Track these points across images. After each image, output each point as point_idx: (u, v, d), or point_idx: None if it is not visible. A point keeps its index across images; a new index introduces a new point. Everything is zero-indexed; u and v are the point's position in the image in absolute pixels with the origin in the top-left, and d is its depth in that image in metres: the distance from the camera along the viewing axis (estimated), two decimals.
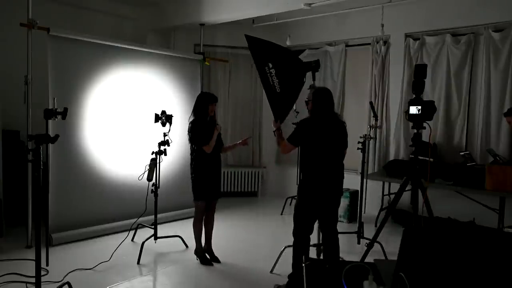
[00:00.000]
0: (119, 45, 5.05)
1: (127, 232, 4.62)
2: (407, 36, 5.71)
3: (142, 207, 4.37)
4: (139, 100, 5.23)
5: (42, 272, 3.27)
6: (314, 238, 3.51)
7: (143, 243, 4.17)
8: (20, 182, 4.46)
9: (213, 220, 4.15)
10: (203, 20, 5.88)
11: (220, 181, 4.13)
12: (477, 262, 1.53)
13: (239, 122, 7.19)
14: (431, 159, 3.81)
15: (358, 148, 4.49)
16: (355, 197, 5.64)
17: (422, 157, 3.68)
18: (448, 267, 1.54)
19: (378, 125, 5.33)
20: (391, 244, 4.43)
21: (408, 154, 5.46)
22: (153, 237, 4.30)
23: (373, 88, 5.99)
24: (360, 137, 4.50)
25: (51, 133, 2.88)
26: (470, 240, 1.58)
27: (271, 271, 3.83)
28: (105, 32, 5.87)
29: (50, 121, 3.13)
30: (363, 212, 4.85)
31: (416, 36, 5.64)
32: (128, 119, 5.10)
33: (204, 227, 4.10)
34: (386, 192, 5.64)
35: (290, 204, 6.10)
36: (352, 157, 5.70)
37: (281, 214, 6.05)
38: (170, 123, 4.24)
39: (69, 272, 3.63)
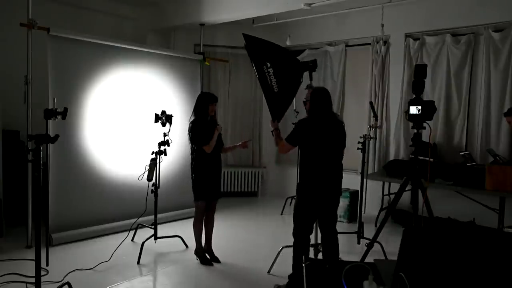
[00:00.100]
0: (119, 45, 5.05)
1: (127, 232, 4.62)
2: (407, 36, 5.71)
3: (142, 207, 4.37)
4: (139, 100, 5.23)
5: (42, 272, 3.27)
6: (312, 238, 3.51)
7: (143, 243, 4.17)
8: (20, 182, 4.46)
9: (213, 220, 4.15)
10: (203, 20, 5.88)
11: (220, 181, 4.13)
12: (477, 262, 1.53)
13: (239, 122, 7.19)
14: (431, 159, 3.81)
15: (358, 148, 4.49)
16: (355, 197, 5.64)
17: (422, 157, 3.68)
18: (448, 267, 1.54)
19: (378, 125, 5.33)
20: (391, 244, 4.43)
21: (408, 154, 5.46)
22: (153, 237, 4.30)
23: (373, 88, 5.99)
24: (360, 137, 4.50)
25: (51, 133, 2.88)
26: (470, 240, 1.58)
27: (269, 272, 3.82)
28: (105, 32, 5.87)
29: (50, 121, 3.13)
30: (363, 212, 4.85)
31: (416, 36, 5.64)
32: (128, 119, 5.10)
33: (204, 227, 4.10)
34: (386, 192, 5.64)
35: (290, 204, 6.10)
36: (352, 157, 5.72)
37: (281, 214, 6.05)
38: (170, 123, 4.24)
39: (69, 272, 3.63)
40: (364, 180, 4.73)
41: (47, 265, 3.66)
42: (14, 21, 4.14)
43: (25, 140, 4.15)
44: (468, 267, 1.53)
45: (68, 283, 3.17)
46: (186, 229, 4.74)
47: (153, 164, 4.16)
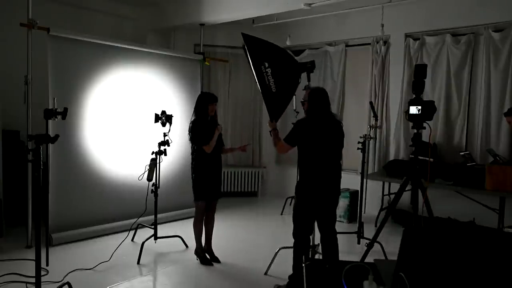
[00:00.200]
0: (119, 45, 5.05)
1: (127, 232, 4.62)
2: (407, 36, 5.71)
3: (142, 207, 4.37)
4: (139, 100, 5.23)
5: (42, 272, 3.27)
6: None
7: (143, 243, 4.17)
8: (20, 182, 4.46)
9: (213, 220, 4.15)
10: (203, 20, 5.88)
11: (220, 181, 4.13)
12: (477, 262, 1.53)
13: (239, 122, 7.19)
14: (431, 159, 3.81)
15: (358, 148, 4.49)
16: (355, 197, 5.63)
17: (422, 157, 3.68)
18: (448, 267, 1.54)
19: (378, 125, 5.34)
20: (391, 244, 4.43)
21: (408, 154, 5.46)
22: (153, 237, 4.30)
23: (373, 88, 5.99)
24: (360, 137, 4.49)
25: (51, 133, 2.89)
26: (470, 240, 1.58)
27: (266, 273, 3.80)
28: (105, 32, 5.87)
29: (50, 121, 3.13)
30: (363, 212, 4.86)
31: (416, 36, 5.64)
32: (128, 119, 5.10)
33: (204, 227, 4.10)
34: (386, 192, 5.64)
35: (290, 204, 6.09)
36: (352, 157, 5.73)
37: (281, 214, 6.05)
38: (170, 123, 4.24)
39: (69, 272, 3.63)
40: (364, 180, 4.72)
41: (47, 265, 3.66)
42: (14, 21, 4.14)
43: (25, 140, 4.15)
44: (468, 267, 1.53)
45: (68, 283, 3.17)
46: (186, 229, 4.74)
47: (153, 164, 4.16)
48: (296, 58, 6.63)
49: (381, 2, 5.29)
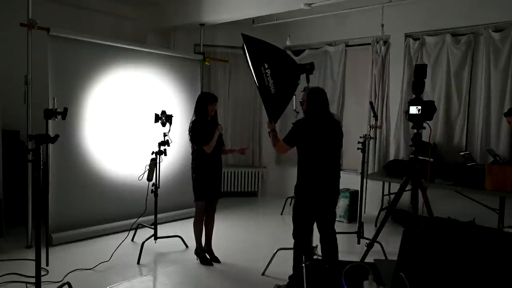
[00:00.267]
0: (119, 45, 5.05)
1: (127, 232, 4.62)
2: (407, 36, 5.71)
3: (142, 207, 4.37)
4: (139, 100, 5.23)
5: (42, 272, 3.27)
6: None
7: (143, 243, 4.17)
8: (20, 182, 4.46)
9: (214, 220, 4.15)
10: (203, 20, 5.88)
11: (220, 182, 4.13)
12: (477, 262, 1.53)
13: (239, 122, 7.19)
14: (431, 159, 3.81)
15: (358, 148, 4.49)
16: (355, 197, 5.63)
17: (422, 157, 3.68)
18: (448, 267, 1.54)
19: (378, 125, 5.34)
20: (391, 244, 4.43)
21: (408, 154, 5.46)
22: (153, 237, 4.30)
23: (373, 88, 5.99)
24: (360, 137, 4.50)
25: (51, 133, 2.89)
26: (470, 240, 1.58)
27: (263, 273, 3.79)
28: (105, 32, 5.87)
29: (50, 121, 3.13)
30: (363, 212, 4.85)
31: (416, 36, 5.64)
32: (128, 119, 5.10)
33: (204, 227, 4.09)
34: (386, 192, 5.64)
35: (290, 204, 6.08)
36: (352, 157, 5.73)
37: (281, 214, 6.05)
38: (170, 123, 4.24)
39: (69, 272, 3.63)
40: (364, 180, 4.72)
41: (47, 265, 3.66)
42: (14, 21, 4.14)
43: (25, 140, 4.15)
44: (468, 267, 1.53)
45: (68, 283, 3.17)
46: (186, 229, 4.74)
47: (153, 164, 4.16)
48: (296, 58, 6.64)
49: (381, 2, 5.29)
